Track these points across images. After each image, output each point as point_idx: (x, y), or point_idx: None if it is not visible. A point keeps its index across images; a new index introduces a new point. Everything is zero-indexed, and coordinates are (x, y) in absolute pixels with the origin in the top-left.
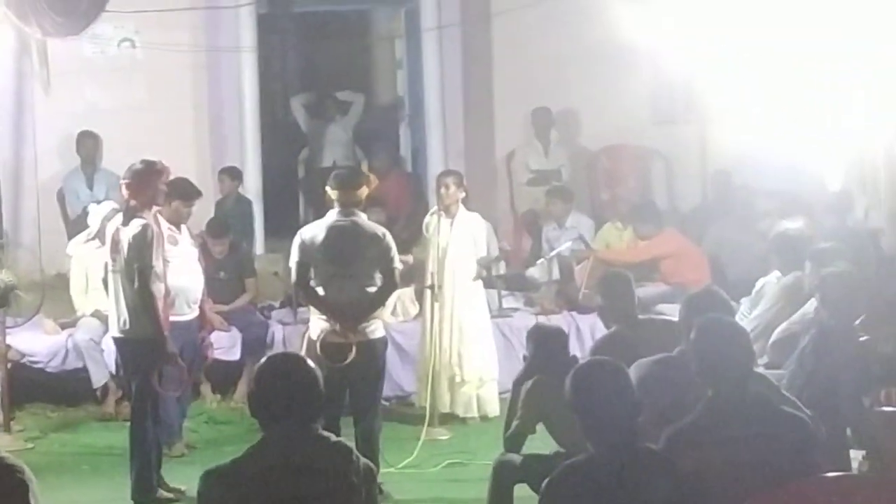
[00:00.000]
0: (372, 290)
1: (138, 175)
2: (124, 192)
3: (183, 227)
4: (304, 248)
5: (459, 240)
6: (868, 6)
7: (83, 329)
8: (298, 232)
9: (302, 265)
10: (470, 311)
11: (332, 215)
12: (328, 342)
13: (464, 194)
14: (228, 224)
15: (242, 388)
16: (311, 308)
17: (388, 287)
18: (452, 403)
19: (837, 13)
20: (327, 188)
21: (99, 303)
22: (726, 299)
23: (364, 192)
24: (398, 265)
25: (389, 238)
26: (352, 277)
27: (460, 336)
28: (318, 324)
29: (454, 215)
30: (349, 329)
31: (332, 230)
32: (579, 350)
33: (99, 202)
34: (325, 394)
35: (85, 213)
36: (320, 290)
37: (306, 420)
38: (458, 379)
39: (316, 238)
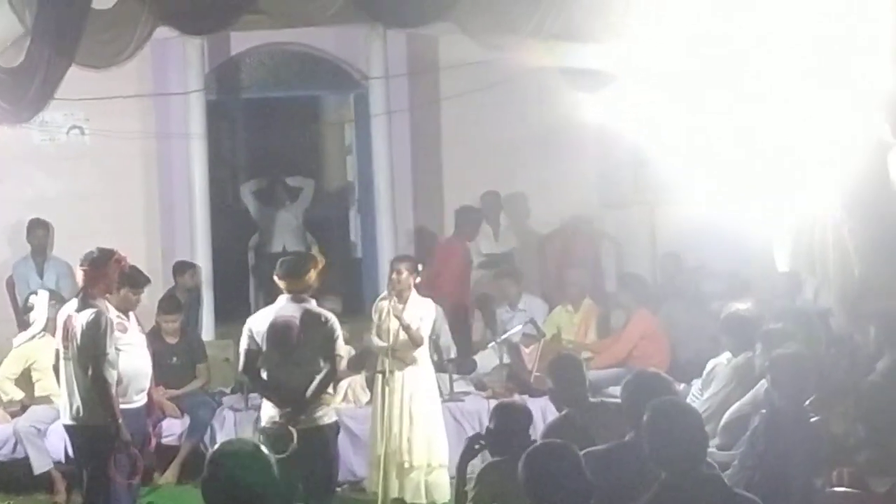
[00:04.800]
0: (318, 376)
1: (96, 263)
2: (80, 278)
3: (131, 314)
4: (252, 336)
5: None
6: (815, 85)
7: (26, 416)
8: (248, 319)
9: (250, 352)
10: (420, 396)
11: (282, 301)
12: (269, 432)
13: (417, 279)
14: (180, 301)
15: (175, 468)
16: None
17: (329, 374)
18: (401, 489)
19: (784, 91)
20: (274, 276)
21: (45, 390)
22: (668, 380)
23: (311, 277)
24: (341, 352)
25: (334, 323)
26: (296, 364)
27: (410, 422)
28: (267, 412)
29: (406, 300)
30: (289, 418)
31: (279, 318)
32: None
33: (49, 290)
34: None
35: (28, 306)
36: (265, 377)
37: None
38: (406, 465)
39: (263, 326)
